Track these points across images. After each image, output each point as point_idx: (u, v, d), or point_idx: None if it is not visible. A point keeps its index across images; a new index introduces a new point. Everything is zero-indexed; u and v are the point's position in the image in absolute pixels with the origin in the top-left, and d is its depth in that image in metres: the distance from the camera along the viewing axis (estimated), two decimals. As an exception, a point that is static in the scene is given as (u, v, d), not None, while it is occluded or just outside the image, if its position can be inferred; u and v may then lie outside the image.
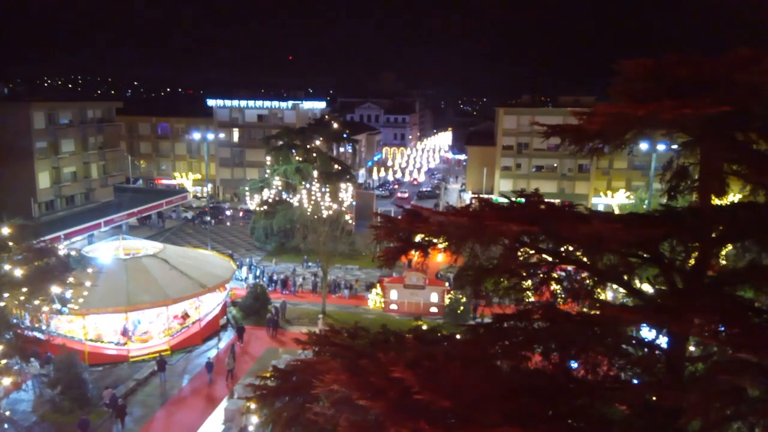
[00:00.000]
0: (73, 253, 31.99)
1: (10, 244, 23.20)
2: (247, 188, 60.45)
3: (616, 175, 72.03)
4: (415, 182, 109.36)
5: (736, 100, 8.96)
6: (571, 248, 10.74)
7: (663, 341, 10.62)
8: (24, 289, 22.47)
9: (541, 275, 11.08)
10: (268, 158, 58.75)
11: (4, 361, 21.49)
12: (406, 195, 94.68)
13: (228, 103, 79.34)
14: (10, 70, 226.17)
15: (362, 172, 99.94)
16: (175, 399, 28.85)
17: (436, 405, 8.60)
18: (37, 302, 23.40)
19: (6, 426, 22.44)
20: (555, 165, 73.26)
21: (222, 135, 76.20)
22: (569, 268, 11.32)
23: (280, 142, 58.24)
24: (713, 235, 10.29)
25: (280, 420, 11.81)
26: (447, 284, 40.78)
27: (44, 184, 53.49)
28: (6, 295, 22.03)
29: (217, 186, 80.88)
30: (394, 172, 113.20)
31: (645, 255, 10.89)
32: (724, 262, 11.46)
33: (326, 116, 78.59)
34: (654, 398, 9.97)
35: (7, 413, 21.88)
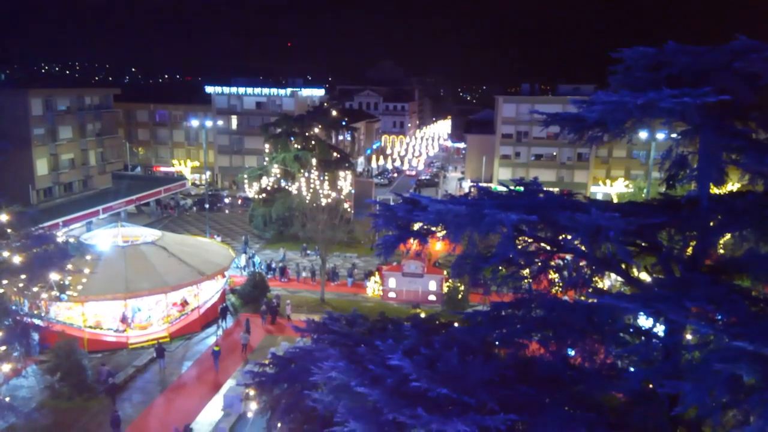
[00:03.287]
0: (71, 240, 31.90)
1: (9, 231, 23.17)
2: (245, 176, 60.34)
3: (615, 163, 71.98)
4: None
5: (735, 89, 8.95)
6: (569, 237, 10.75)
7: (660, 330, 10.66)
8: (23, 276, 22.47)
9: (540, 264, 11.11)
10: (267, 146, 58.58)
11: (3, 348, 21.55)
12: (414, 173, 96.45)
13: (226, 90, 78.94)
14: (8, 56, 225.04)
15: (361, 160, 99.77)
16: (174, 385, 28.97)
17: (433, 392, 8.66)
18: (35, 289, 23.41)
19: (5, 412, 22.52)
20: (554, 153, 73.17)
21: (220, 122, 75.87)
22: (567, 256, 11.34)
23: (279, 130, 58.05)
24: (711, 224, 10.31)
25: (279, 407, 11.88)
26: (445, 272, 40.87)
27: (42, 171, 53.39)
28: (5, 282, 22.04)
29: (215, 173, 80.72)
30: (393, 161, 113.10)
31: (643, 244, 10.91)
32: (722, 251, 11.49)
33: (325, 104, 78.30)
34: (651, 386, 10.03)
35: (7, 399, 21.93)
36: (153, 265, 33.51)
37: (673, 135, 10.73)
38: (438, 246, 40.22)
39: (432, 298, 40.40)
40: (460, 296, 38.32)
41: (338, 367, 9.70)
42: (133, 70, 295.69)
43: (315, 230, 41.02)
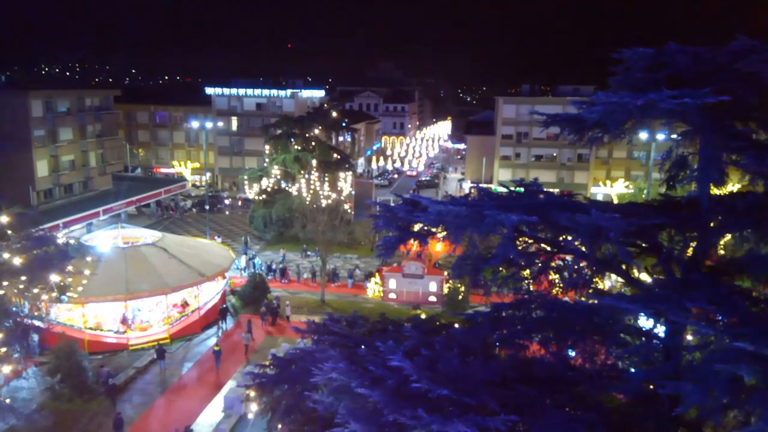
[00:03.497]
0: (71, 241, 31.92)
1: (9, 232, 23.19)
2: (245, 177, 60.37)
3: (615, 164, 71.94)
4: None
5: (735, 89, 8.95)
6: (569, 238, 10.75)
7: (661, 330, 10.66)
8: (23, 278, 22.49)
9: (540, 264, 11.10)
10: (267, 147, 58.60)
11: (3, 349, 21.56)
12: (415, 173, 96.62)
13: (226, 91, 78.89)
14: (8, 58, 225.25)
15: (361, 161, 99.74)
16: (174, 387, 28.97)
17: (434, 393, 8.65)
18: (36, 290, 23.42)
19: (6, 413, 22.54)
20: (554, 154, 73.17)
21: (220, 123, 75.86)
22: (568, 257, 11.34)
23: (279, 131, 58.06)
24: (712, 225, 10.30)
25: (280, 408, 11.88)
26: (445, 273, 40.85)
27: (43, 173, 53.39)
28: (5, 283, 22.05)
29: (215, 175, 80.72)
30: (393, 162, 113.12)
31: (644, 244, 10.91)
32: (722, 252, 11.48)
33: (325, 105, 78.26)
34: (651, 387, 10.02)
35: (7, 401, 21.94)
36: (153, 267, 33.51)
37: (674, 136, 10.73)
38: (438, 247, 40.20)
39: (432, 299, 40.39)
40: (460, 297, 38.31)
41: (339, 368, 9.69)
42: (134, 71, 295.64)
43: (315, 231, 41.02)
